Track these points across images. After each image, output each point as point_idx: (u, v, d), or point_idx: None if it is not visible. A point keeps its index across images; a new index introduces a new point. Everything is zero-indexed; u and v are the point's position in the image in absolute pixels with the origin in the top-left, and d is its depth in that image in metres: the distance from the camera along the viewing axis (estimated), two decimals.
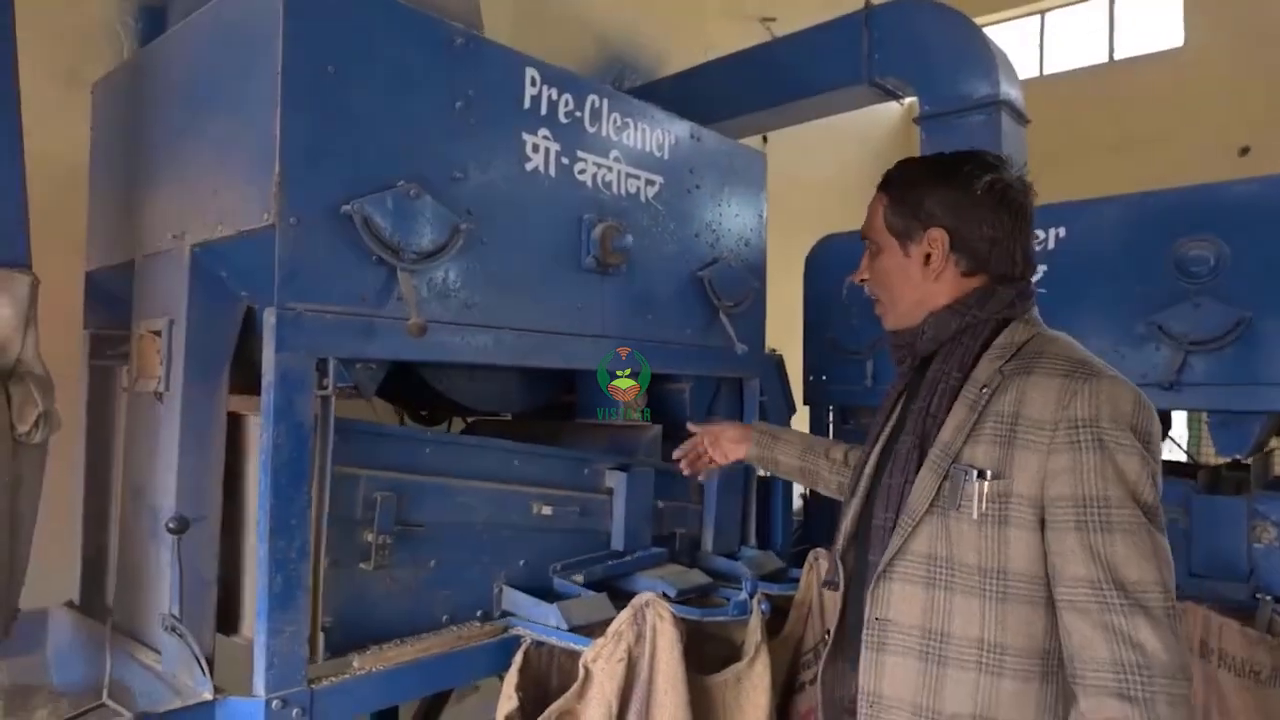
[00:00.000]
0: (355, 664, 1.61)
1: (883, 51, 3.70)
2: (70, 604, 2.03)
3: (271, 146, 1.50)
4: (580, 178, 2.09)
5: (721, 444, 1.91)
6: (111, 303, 2.05)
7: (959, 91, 3.48)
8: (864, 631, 1.24)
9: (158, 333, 1.74)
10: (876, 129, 8.38)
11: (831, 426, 3.50)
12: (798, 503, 3.42)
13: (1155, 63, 7.42)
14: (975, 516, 1.16)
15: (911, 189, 1.33)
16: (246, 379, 1.78)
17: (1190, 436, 4.92)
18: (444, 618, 1.85)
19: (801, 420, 3.08)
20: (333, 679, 1.57)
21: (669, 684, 1.75)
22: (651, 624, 1.77)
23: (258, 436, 1.64)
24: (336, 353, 1.58)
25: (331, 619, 1.64)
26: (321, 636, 1.60)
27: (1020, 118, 3.53)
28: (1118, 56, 7.82)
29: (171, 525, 1.53)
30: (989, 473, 1.16)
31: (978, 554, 1.16)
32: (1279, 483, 2.95)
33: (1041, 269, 2.97)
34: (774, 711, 1.97)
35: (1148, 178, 2.89)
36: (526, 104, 1.95)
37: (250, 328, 1.76)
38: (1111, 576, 1.07)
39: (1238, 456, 2.72)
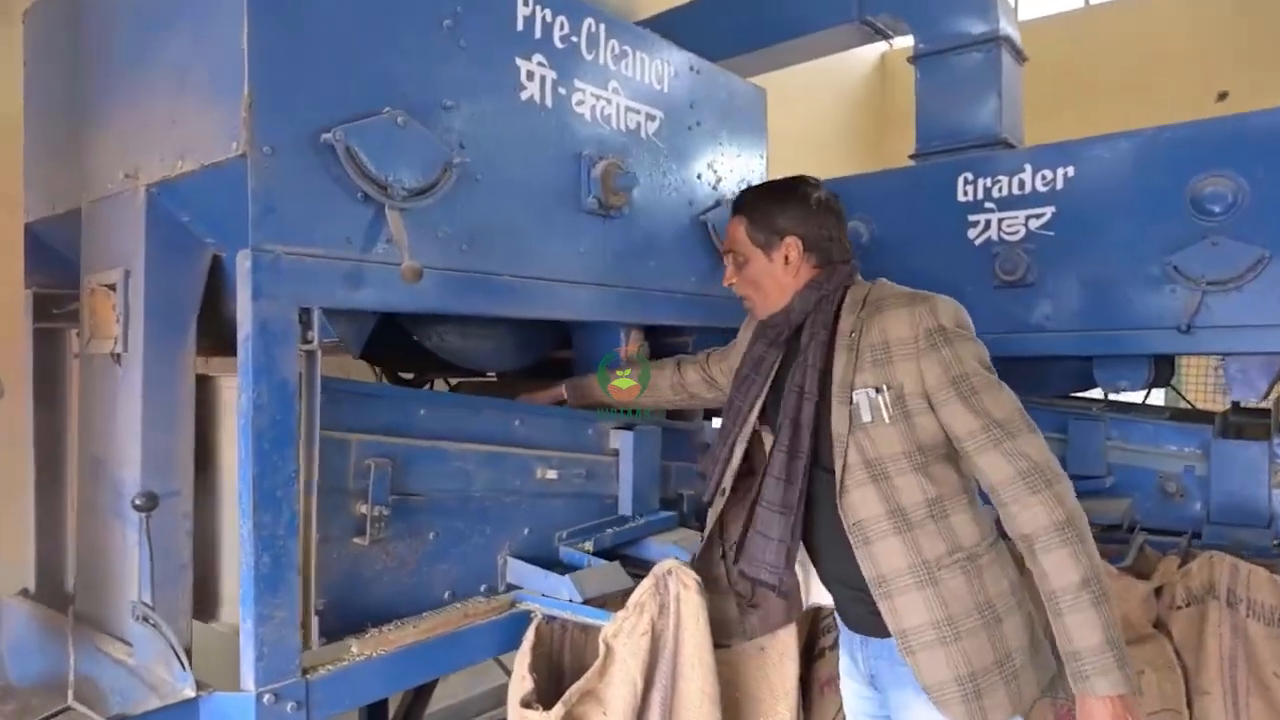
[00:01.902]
0: (354, 649, 1.45)
1: None
2: (25, 593, 1.84)
3: (240, 63, 1.29)
4: (579, 110, 1.90)
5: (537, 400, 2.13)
6: (55, 258, 1.83)
7: (956, 28, 3.33)
8: (849, 536, 1.56)
9: (112, 287, 1.53)
10: (851, 79, 8.21)
11: None
12: None
13: (1129, 7, 7.31)
14: (888, 420, 1.53)
15: (764, 210, 1.71)
16: (215, 339, 1.59)
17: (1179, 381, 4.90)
18: (446, 594, 1.70)
19: None
20: (329, 667, 1.41)
21: (696, 656, 1.62)
22: (675, 593, 1.63)
23: (232, 400, 1.46)
24: (321, 302, 1.39)
25: (325, 601, 1.48)
26: (315, 621, 1.43)
27: (1019, 55, 3.39)
28: (1092, 2, 7.71)
29: (138, 502, 1.35)
30: (883, 387, 1.53)
31: (900, 444, 1.53)
32: None
33: (1049, 210, 2.86)
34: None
35: (1125, 125, 2.77)
36: (519, 25, 1.75)
37: (218, 280, 1.57)
38: (991, 420, 1.48)
39: (1254, 401, 2.65)
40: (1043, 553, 1.43)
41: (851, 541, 1.56)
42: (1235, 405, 2.85)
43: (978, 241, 2.98)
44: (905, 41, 3.69)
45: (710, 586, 1.74)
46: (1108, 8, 7.66)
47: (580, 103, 1.90)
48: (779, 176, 1.82)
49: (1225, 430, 2.69)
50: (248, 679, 1.31)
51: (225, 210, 1.37)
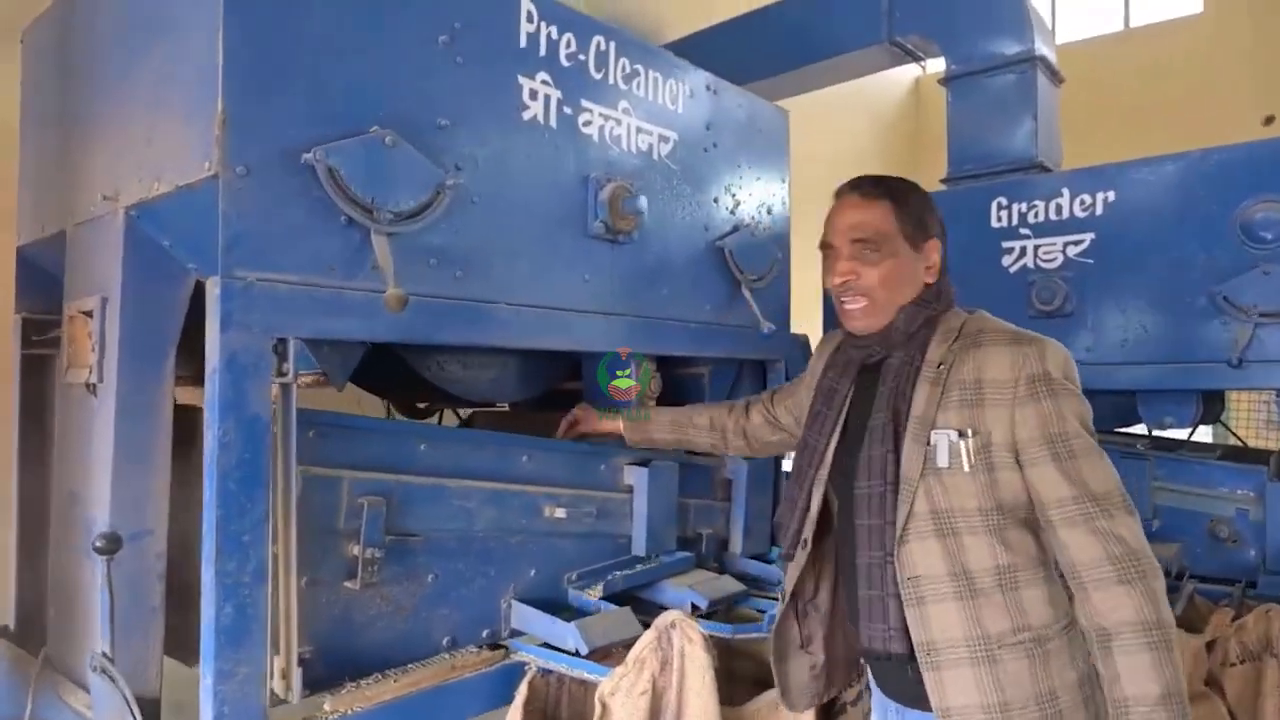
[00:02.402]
0: (327, 707, 1.35)
1: (904, 7, 3.44)
2: (4, 630, 1.76)
3: (213, 77, 1.22)
4: (585, 130, 1.81)
5: (592, 417, 1.99)
6: (45, 281, 1.78)
7: (988, 49, 3.21)
8: (901, 591, 1.38)
9: (90, 313, 1.47)
10: (885, 102, 8.10)
11: None
12: None
13: (1173, 30, 7.12)
14: (967, 469, 1.35)
15: (910, 202, 1.48)
16: (201, 368, 1.51)
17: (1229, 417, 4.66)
18: (445, 640, 1.59)
19: None
20: None
21: (700, 717, 1.49)
22: (679, 648, 1.51)
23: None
24: (298, 331, 1.30)
25: (311, 648, 1.38)
26: (298, 671, 1.33)
27: (1055, 76, 3.26)
28: (1134, 24, 7.53)
29: (99, 544, 1.27)
30: (968, 431, 1.35)
31: (976, 498, 1.35)
32: None
33: (1088, 236, 2.72)
34: None
35: (1168, 150, 2.63)
36: (523, 42, 1.67)
37: (202, 306, 1.49)
38: (1086, 492, 1.30)
39: None
40: (1121, 653, 1.25)
41: (903, 598, 1.37)
42: None
43: (1013, 269, 2.84)
44: (937, 64, 3.59)
45: (783, 651, 1.56)
46: (1150, 30, 7.48)
47: (588, 123, 1.81)
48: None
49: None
50: None
51: (202, 234, 1.29)
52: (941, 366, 1.40)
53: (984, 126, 3.18)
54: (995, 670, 1.32)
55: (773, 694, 1.70)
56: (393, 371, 1.87)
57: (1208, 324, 2.49)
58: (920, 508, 1.37)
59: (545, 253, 1.72)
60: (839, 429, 1.51)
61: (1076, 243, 2.72)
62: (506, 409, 2.52)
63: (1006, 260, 2.86)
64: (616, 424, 1.95)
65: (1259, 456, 2.77)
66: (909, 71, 7.92)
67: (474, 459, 1.66)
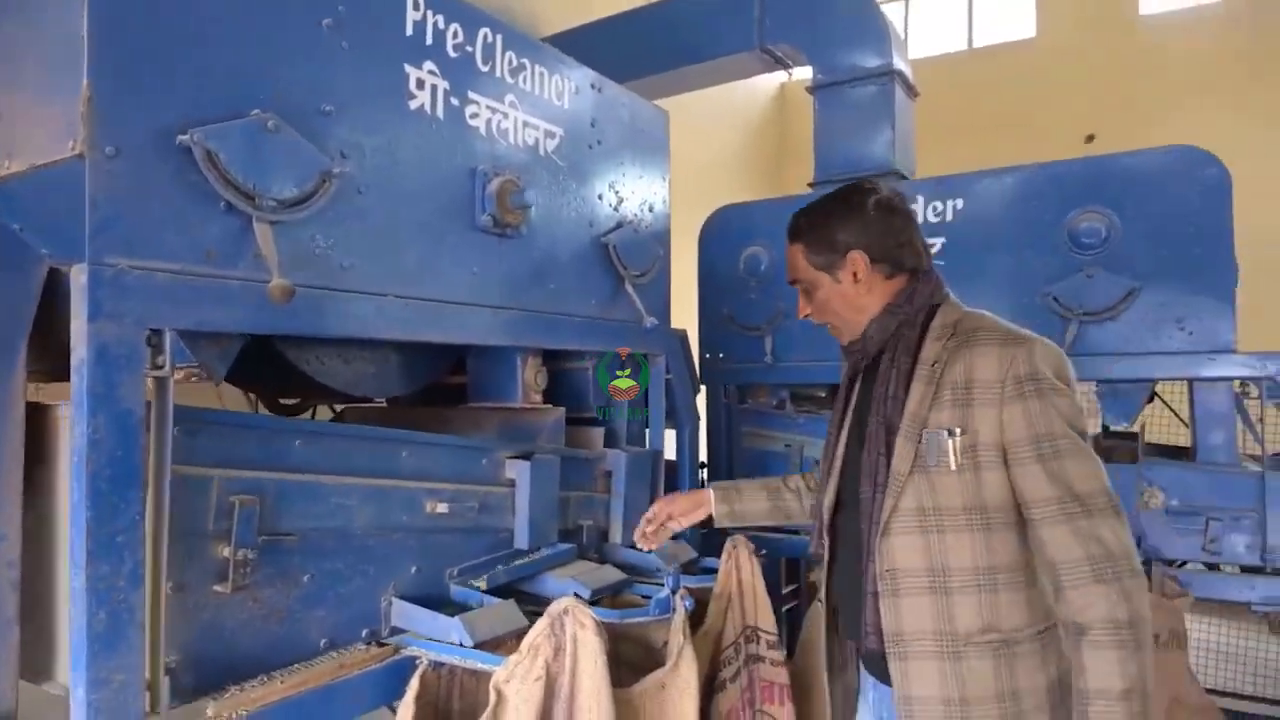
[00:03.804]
0: (210, 712, 1.29)
1: (774, 17, 3.59)
2: None
3: (78, 50, 1.14)
4: (473, 123, 1.80)
5: (679, 507, 1.92)
6: None
7: (851, 61, 3.41)
8: (878, 584, 1.43)
9: None
10: (753, 107, 8.38)
11: (728, 406, 3.35)
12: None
13: (1009, 51, 7.77)
14: (954, 467, 1.38)
15: (819, 230, 1.56)
16: (53, 363, 1.41)
17: None
18: (322, 643, 1.55)
19: (699, 401, 2.91)
20: None
21: (593, 700, 1.52)
22: (571, 634, 1.54)
23: (70, 432, 1.29)
24: (174, 323, 1.24)
25: (178, 657, 1.31)
26: (165, 681, 1.27)
27: (911, 90, 3.50)
28: (976, 45, 8.16)
29: None
30: (957, 430, 1.38)
31: (961, 497, 1.38)
32: (1163, 450, 3.05)
33: (940, 241, 2.93)
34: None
35: (1002, 162, 2.91)
36: (409, 29, 1.65)
37: (56, 296, 1.39)
38: (1070, 492, 1.31)
39: (1124, 425, 2.77)
40: (1090, 647, 1.27)
41: (880, 589, 1.42)
42: (1105, 430, 2.98)
43: None
44: (804, 72, 3.76)
45: (836, 667, 1.63)
46: (989, 50, 8.12)
47: (475, 115, 1.81)
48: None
49: (1097, 454, 2.80)
50: None
51: (60, 217, 1.21)
52: (935, 365, 1.42)
53: (848, 134, 3.37)
54: (959, 666, 1.35)
55: (658, 674, 1.77)
56: (262, 366, 1.80)
57: (1041, 322, 2.74)
58: (907, 504, 1.40)
59: (433, 245, 1.71)
60: (846, 429, 1.58)
61: (930, 246, 2.93)
62: (383, 404, 2.47)
63: None
64: (704, 506, 1.90)
65: None
66: (775, 78, 8.24)
67: (352, 455, 1.61)
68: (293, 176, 1.40)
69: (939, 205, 2.94)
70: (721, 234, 3.37)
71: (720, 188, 5.70)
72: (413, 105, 1.67)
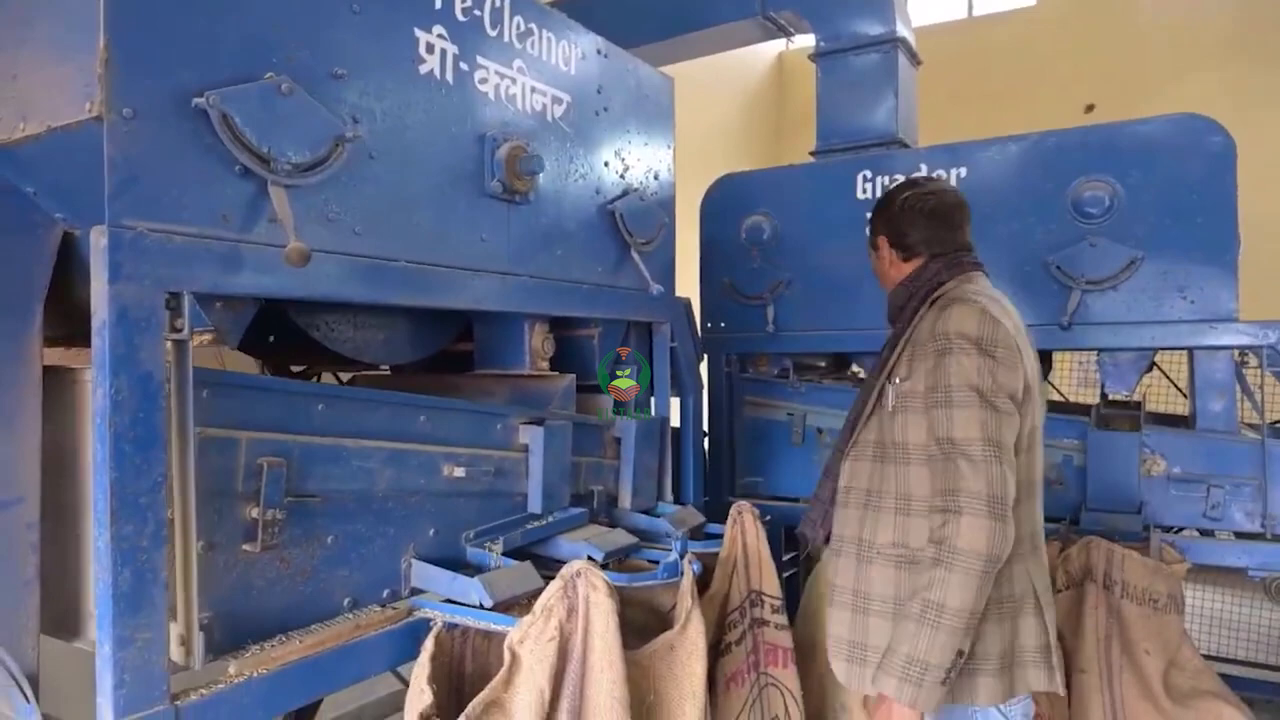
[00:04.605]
0: (231, 670, 1.32)
1: None
2: None
3: (94, 10, 1.14)
4: (482, 89, 1.80)
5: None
6: None
7: (854, 29, 3.38)
8: (835, 496, 1.83)
9: None
10: (751, 76, 8.31)
11: (730, 376, 3.37)
12: None
13: (1010, 20, 7.71)
14: (890, 409, 1.71)
15: (875, 213, 1.97)
16: (71, 327, 1.41)
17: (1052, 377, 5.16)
18: (346, 601, 1.57)
19: (700, 370, 2.92)
20: (204, 691, 1.27)
21: (605, 660, 1.55)
22: (584, 595, 1.56)
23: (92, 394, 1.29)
24: (193, 285, 1.25)
25: (210, 614, 1.34)
26: (200, 637, 1.29)
27: (914, 58, 3.47)
28: (976, 13, 8.09)
29: None
30: (898, 379, 1.70)
31: (891, 433, 1.70)
32: (1160, 419, 3.08)
33: None
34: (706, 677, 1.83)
35: (1000, 132, 2.90)
36: None
37: (71, 260, 1.39)
38: (948, 435, 1.56)
39: (1125, 394, 2.80)
40: (925, 561, 1.56)
41: (837, 500, 1.81)
42: (1105, 398, 3.00)
43: None
44: (802, 42, 3.73)
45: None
46: (989, 19, 8.05)
47: (484, 80, 1.80)
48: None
49: (1099, 422, 2.83)
50: (104, 710, 1.16)
51: (77, 181, 1.21)
52: (914, 328, 1.74)
53: (850, 102, 3.35)
54: (867, 569, 1.70)
55: (668, 636, 1.80)
56: (271, 332, 1.81)
57: (1043, 290, 2.75)
58: (865, 436, 1.76)
59: (443, 211, 1.71)
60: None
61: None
62: (389, 372, 2.48)
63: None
64: None
65: (1081, 410, 3.11)
66: (774, 48, 8.17)
67: (372, 419, 1.64)
68: (307, 140, 1.39)
69: (942, 174, 2.93)
70: (723, 203, 3.36)
71: (717, 159, 5.67)
72: (422, 70, 1.66)
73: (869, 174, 3.06)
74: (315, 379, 2.53)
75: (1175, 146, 2.58)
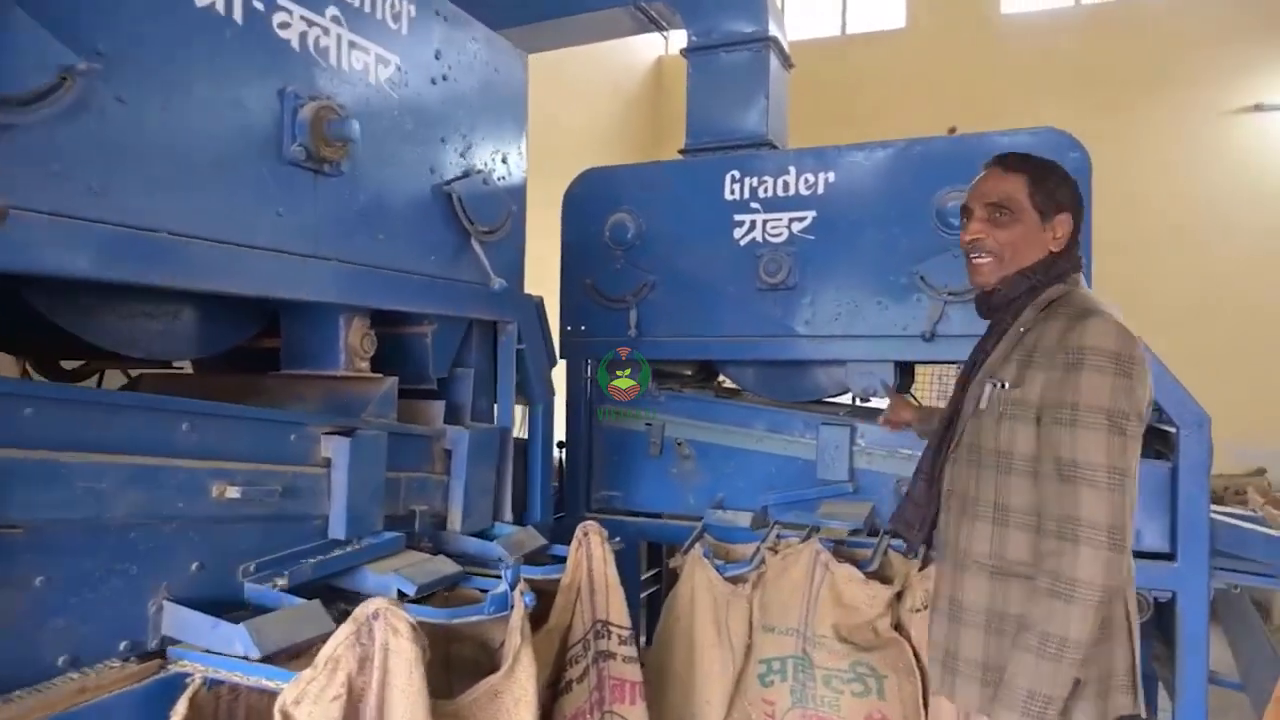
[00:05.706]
0: None
1: None
2: None
3: None
4: (282, 34, 1.51)
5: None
6: None
7: (726, 25, 3.26)
8: (940, 500, 1.74)
9: None
10: (629, 77, 8.19)
11: (590, 383, 3.16)
12: None
13: (881, 40, 7.92)
14: (996, 414, 1.59)
15: (1046, 177, 1.66)
16: None
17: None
18: (60, 660, 1.24)
19: (559, 375, 2.70)
20: None
21: (407, 718, 1.30)
22: (382, 642, 1.30)
23: None
24: None
25: None
26: None
27: (786, 60, 3.39)
28: (850, 30, 8.27)
29: None
30: (1006, 383, 1.58)
31: (995, 440, 1.59)
32: None
33: (811, 214, 2.84)
34: None
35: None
36: None
37: None
38: (1071, 458, 1.46)
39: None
40: (1038, 591, 1.48)
41: (941, 504, 1.73)
42: None
43: (743, 242, 2.90)
44: (681, 45, 3.60)
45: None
46: (862, 38, 8.25)
47: (285, 25, 1.52)
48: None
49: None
50: None
51: None
52: (1021, 329, 1.61)
53: (720, 100, 3.23)
54: (961, 577, 1.63)
55: (491, 681, 1.56)
56: (24, 321, 1.46)
57: (907, 300, 2.70)
58: (967, 440, 1.66)
59: (224, 175, 1.41)
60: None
61: (800, 219, 2.84)
62: (186, 370, 2.13)
63: (738, 233, 2.92)
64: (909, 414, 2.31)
65: None
66: (653, 50, 8.09)
67: (111, 428, 1.30)
68: (21, 69, 1.08)
69: (810, 177, 2.84)
70: (586, 198, 3.15)
71: (592, 158, 5.49)
72: (200, 2, 1.36)
73: (737, 174, 2.93)
74: (98, 379, 2.15)
75: None
